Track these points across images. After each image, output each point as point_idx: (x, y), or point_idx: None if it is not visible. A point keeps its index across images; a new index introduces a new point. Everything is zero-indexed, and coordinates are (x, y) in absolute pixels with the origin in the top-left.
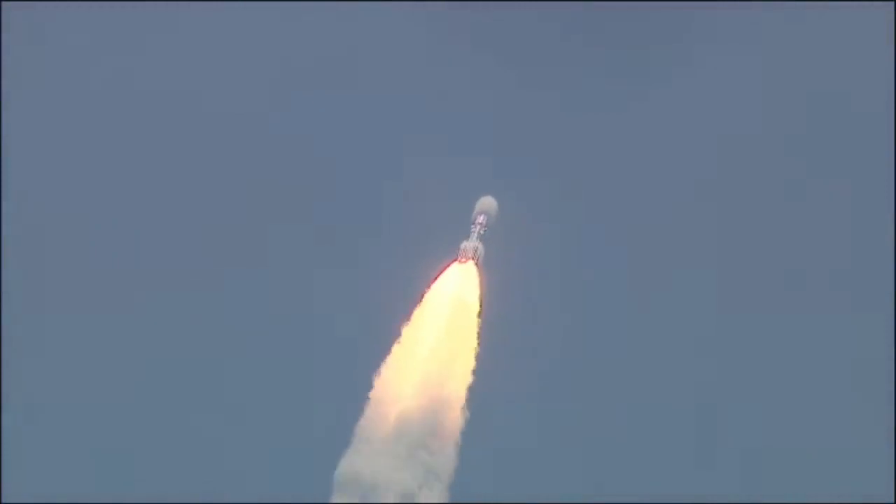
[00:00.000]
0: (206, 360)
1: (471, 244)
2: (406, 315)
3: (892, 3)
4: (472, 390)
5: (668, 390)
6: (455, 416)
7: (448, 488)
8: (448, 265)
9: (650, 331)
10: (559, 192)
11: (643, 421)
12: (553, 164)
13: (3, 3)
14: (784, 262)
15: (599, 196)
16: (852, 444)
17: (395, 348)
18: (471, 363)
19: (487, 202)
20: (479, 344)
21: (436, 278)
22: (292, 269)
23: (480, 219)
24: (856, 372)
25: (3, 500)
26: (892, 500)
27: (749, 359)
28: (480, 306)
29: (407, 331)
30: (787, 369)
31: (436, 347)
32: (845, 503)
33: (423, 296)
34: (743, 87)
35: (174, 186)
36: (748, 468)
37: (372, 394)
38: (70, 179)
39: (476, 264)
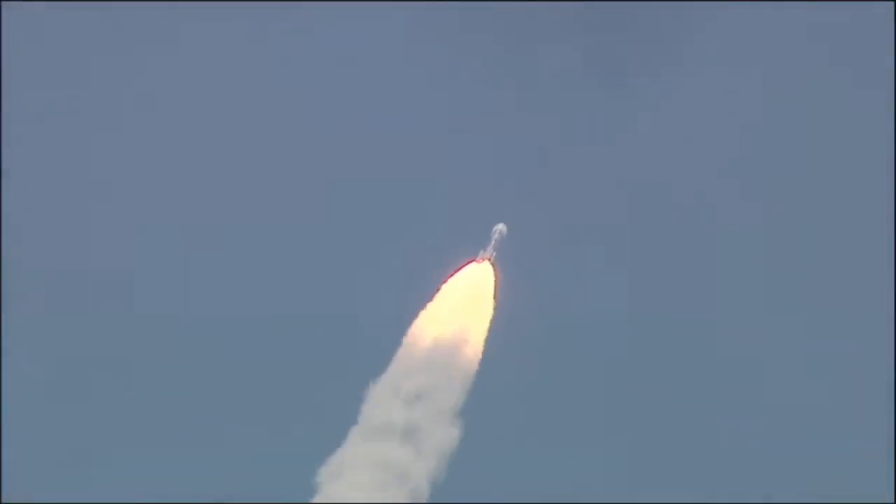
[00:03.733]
0: (212, 358)
1: (488, 250)
2: (433, 293)
3: (892, 3)
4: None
5: (667, 386)
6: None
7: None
8: (467, 262)
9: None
10: (565, 210)
11: (641, 418)
12: (560, 187)
13: (3, 3)
14: (785, 262)
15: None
16: (852, 444)
17: (422, 313)
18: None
19: (501, 226)
20: (492, 320)
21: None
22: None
23: (496, 235)
24: (856, 372)
25: (3, 500)
26: (892, 501)
27: (749, 359)
28: (495, 296)
29: (432, 303)
30: (787, 369)
31: (457, 309)
32: (845, 503)
33: (445, 282)
34: (741, 88)
35: (176, 187)
36: (748, 468)
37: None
38: (70, 180)
39: (492, 264)
